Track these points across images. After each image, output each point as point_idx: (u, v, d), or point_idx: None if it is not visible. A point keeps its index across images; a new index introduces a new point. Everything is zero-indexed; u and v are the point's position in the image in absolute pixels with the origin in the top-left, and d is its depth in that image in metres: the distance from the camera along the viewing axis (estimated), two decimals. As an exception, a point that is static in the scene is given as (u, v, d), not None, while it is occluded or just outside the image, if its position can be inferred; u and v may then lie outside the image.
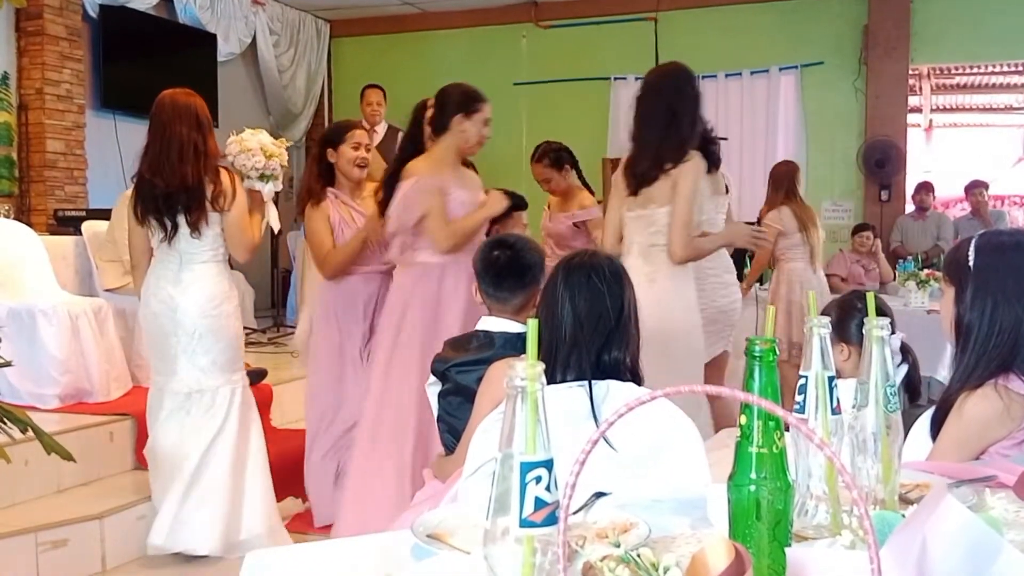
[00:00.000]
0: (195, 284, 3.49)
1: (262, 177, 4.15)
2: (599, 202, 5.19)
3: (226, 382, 3.57)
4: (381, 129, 6.55)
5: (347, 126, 4.03)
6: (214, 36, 7.67)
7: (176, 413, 3.51)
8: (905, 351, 2.51)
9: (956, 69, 9.68)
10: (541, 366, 0.83)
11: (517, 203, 3.95)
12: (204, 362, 3.51)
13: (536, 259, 2.49)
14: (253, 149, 4.08)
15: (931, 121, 11.52)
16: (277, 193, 3.91)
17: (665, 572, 0.92)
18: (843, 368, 2.48)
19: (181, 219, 3.44)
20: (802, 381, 1.24)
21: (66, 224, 5.47)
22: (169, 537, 3.49)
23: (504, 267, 2.45)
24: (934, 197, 8.10)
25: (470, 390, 2.25)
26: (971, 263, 1.83)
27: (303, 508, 4.16)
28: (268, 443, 3.98)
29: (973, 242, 1.86)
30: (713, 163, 3.55)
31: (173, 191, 3.41)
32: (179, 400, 3.51)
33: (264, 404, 4.77)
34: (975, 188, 7.94)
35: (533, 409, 0.82)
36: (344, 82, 9.27)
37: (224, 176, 3.52)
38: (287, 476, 4.09)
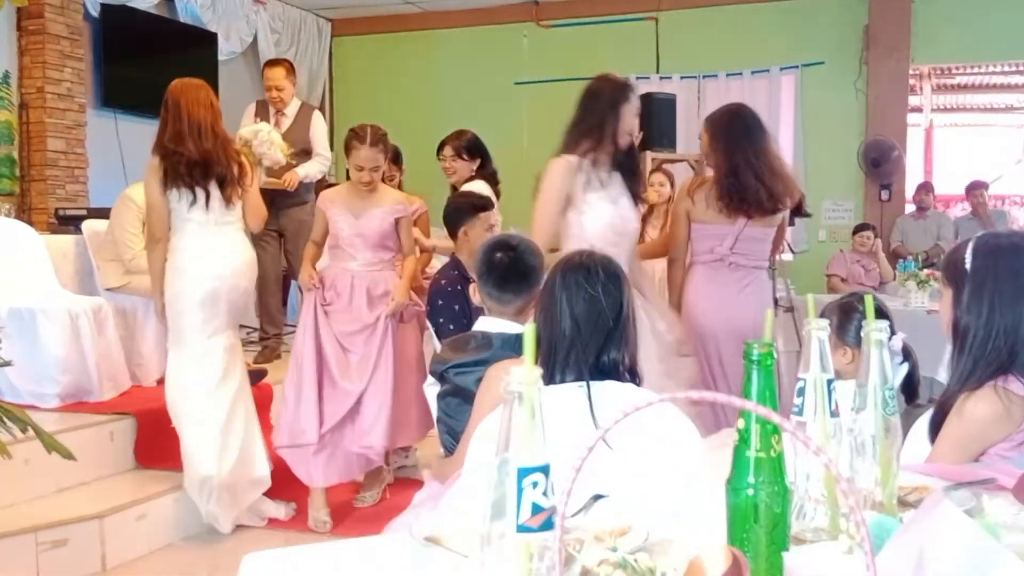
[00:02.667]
0: (237, 249, 3.87)
1: (266, 168, 4.55)
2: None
3: (236, 334, 3.99)
4: (292, 111, 5.71)
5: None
6: (215, 35, 7.67)
7: (218, 367, 3.80)
8: (907, 352, 2.51)
9: (957, 69, 9.67)
10: (538, 371, 0.83)
11: (483, 204, 3.94)
12: (238, 319, 3.99)
13: (537, 260, 2.49)
14: (276, 144, 4.44)
15: (932, 121, 11.51)
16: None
17: (662, 576, 0.92)
18: (846, 371, 2.47)
19: (214, 190, 3.75)
20: (801, 384, 1.24)
21: (67, 223, 5.47)
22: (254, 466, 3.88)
23: (508, 269, 2.45)
24: (934, 197, 8.10)
25: (469, 391, 2.25)
26: (968, 266, 1.83)
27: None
28: (267, 443, 4.02)
29: (970, 244, 1.85)
30: None
31: (202, 161, 3.71)
32: (227, 357, 3.83)
33: (264, 404, 4.78)
34: (975, 189, 7.95)
35: (530, 414, 0.82)
36: (345, 82, 9.27)
37: (243, 158, 3.92)
38: (287, 476, 4.09)
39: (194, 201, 3.71)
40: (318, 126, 5.72)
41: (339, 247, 4.02)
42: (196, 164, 3.69)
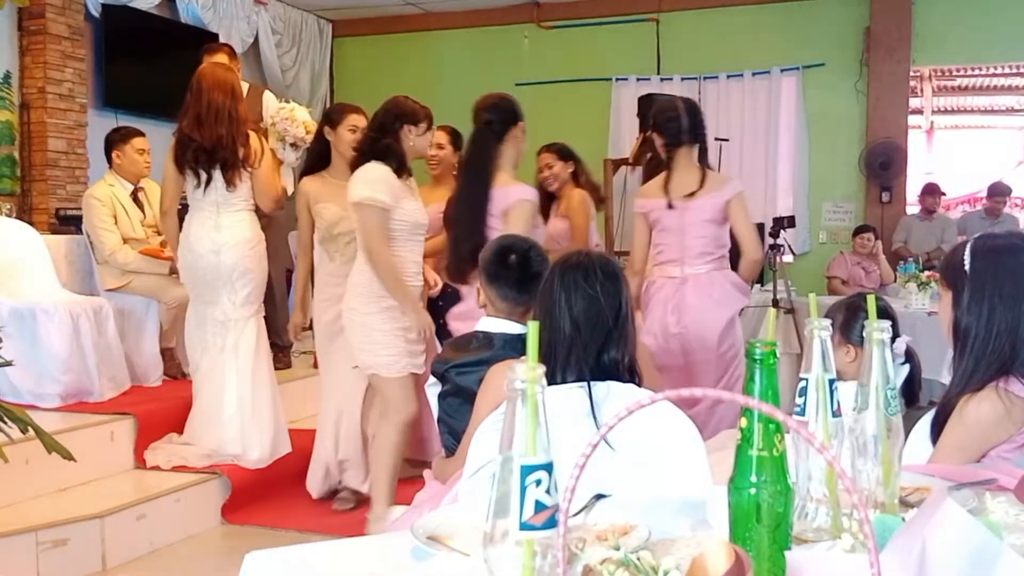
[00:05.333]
0: (233, 229, 4.02)
1: (293, 146, 4.58)
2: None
3: (254, 313, 4.15)
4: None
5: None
6: (216, 36, 7.65)
7: (216, 336, 4.09)
8: (909, 354, 2.51)
9: (957, 71, 9.67)
10: (541, 369, 0.83)
11: None
12: (240, 296, 4.08)
13: (546, 260, 2.49)
14: (298, 121, 4.55)
15: (932, 123, 11.52)
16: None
17: (665, 575, 0.92)
18: (849, 369, 2.48)
19: (216, 173, 3.96)
20: (802, 384, 1.24)
21: (67, 223, 5.48)
22: (240, 444, 4.08)
23: (523, 271, 2.44)
24: (940, 200, 8.07)
25: (470, 391, 2.25)
26: (967, 267, 1.82)
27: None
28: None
29: (968, 245, 1.85)
30: None
31: (211, 147, 3.93)
32: (217, 326, 4.09)
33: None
34: (996, 196, 7.86)
35: (533, 412, 0.82)
36: (346, 82, 9.27)
37: (253, 138, 4.07)
38: (290, 475, 4.09)
39: (197, 184, 3.97)
40: (271, 108, 5.01)
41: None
42: (203, 151, 3.92)
